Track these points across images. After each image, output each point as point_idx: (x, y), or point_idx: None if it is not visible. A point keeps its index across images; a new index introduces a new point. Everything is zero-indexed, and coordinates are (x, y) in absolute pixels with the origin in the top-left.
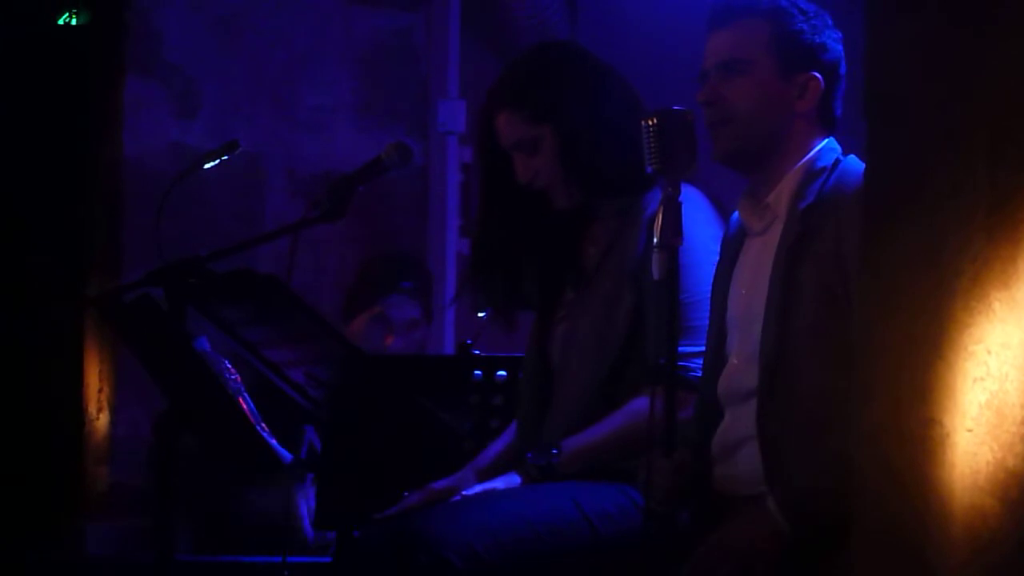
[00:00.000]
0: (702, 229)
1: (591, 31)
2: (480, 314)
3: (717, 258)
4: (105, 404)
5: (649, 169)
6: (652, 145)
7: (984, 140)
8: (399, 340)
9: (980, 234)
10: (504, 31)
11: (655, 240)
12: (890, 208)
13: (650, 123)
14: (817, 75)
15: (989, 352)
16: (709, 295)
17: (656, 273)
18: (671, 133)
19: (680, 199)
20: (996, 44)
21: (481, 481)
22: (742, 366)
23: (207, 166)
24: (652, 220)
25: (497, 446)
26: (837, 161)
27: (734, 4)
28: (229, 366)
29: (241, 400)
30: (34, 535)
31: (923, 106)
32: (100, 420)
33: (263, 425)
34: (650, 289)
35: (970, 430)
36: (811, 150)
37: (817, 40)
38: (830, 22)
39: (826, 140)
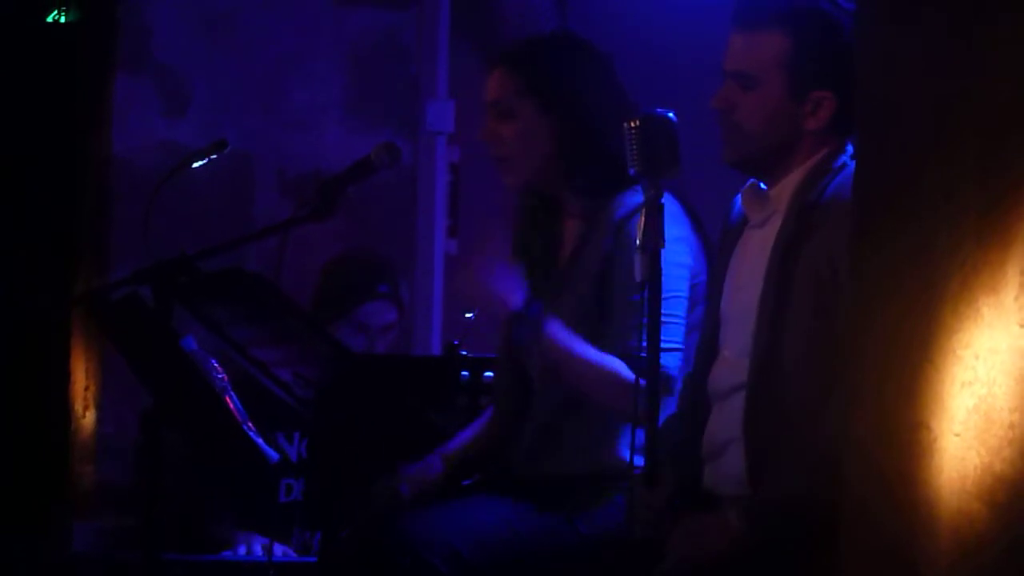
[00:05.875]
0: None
1: (580, 33)
2: (468, 315)
3: (683, 259)
4: (91, 402)
5: (632, 171)
6: (634, 148)
7: (976, 145)
8: (379, 344)
9: (969, 238)
10: (494, 31)
11: (637, 242)
12: (880, 211)
13: (632, 126)
14: (831, 92)
15: (977, 357)
16: (680, 293)
17: (639, 275)
18: (653, 136)
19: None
20: (990, 51)
21: (448, 467)
22: (732, 361)
23: (195, 165)
24: (619, 224)
25: (467, 433)
26: (845, 164)
27: (760, 8)
28: (216, 364)
29: (228, 399)
30: (21, 533)
31: (916, 111)
32: (86, 418)
33: (250, 424)
34: (612, 288)
35: (958, 434)
36: (821, 152)
37: (839, 54)
38: None
39: (840, 143)
